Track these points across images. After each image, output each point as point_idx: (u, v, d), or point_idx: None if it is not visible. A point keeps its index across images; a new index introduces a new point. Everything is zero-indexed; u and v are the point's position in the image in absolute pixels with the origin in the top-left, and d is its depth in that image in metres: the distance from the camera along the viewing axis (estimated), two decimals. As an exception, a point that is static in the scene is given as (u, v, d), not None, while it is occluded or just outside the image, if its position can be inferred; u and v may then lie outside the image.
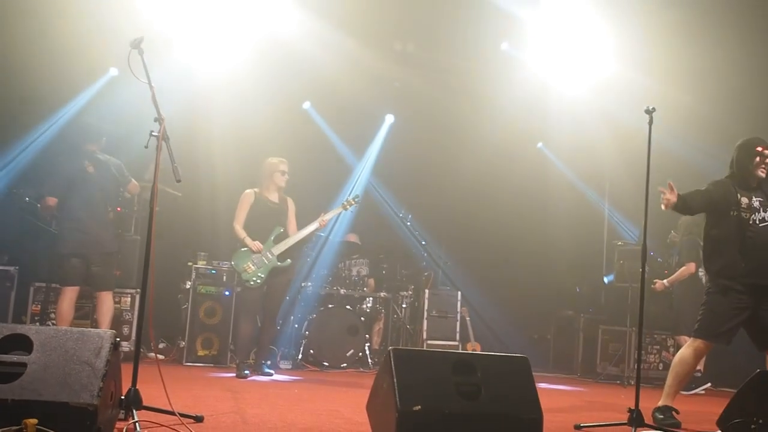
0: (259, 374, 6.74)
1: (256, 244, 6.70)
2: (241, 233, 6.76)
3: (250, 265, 6.69)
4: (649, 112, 4.63)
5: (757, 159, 4.97)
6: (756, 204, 4.94)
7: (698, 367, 7.57)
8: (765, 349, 5.02)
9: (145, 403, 3.64)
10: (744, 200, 4.93)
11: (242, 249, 6.75)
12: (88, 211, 6.20)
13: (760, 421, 3.83)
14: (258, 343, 7.02)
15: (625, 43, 8.38)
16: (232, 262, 6.85)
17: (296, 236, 6.89)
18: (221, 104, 8.44)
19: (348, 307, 8.25)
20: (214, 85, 8.36)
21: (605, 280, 9.60)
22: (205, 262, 7.67)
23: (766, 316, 4.88)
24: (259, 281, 6.70)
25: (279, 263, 6.78)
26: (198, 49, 8.16)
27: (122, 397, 3.50)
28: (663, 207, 4.89)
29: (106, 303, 6.34)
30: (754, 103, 8.19)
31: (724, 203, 4.93)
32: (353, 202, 7.11)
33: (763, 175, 4.97)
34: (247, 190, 6.93)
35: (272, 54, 8.38)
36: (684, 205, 4.90)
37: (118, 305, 7.07)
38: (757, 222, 4.91)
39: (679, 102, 8.07)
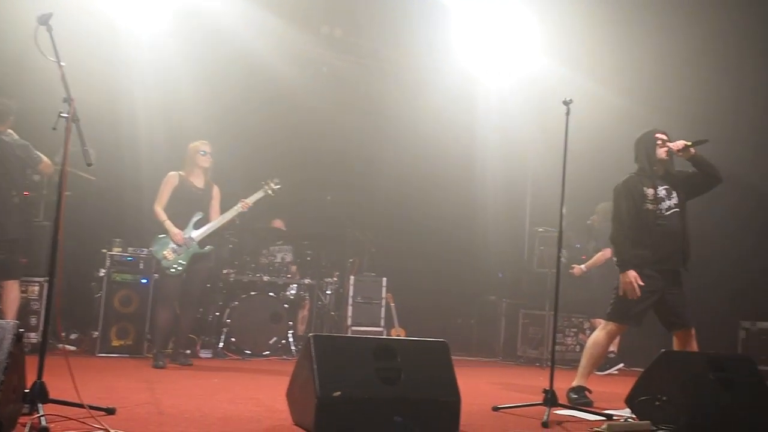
0: (178, 364, 6.60)
1: (177, 233, 6.54)
2: (162, 215, 6.58)
3: (170, 252, 6.54)
4: (567, 103, 4.79)
5: (659, 143, 5.19)
6: (662, 193, 5.15)
7: (612, 349, 7.85)
8: (672, 330, 5.23)
9: (53, 396, 3.48)
10: (650, 191, 5.12)
11: (161, 235, 6.59)
12: None
13: (664, 398, 4.01)
14: (177, 331, 6.87)
15: (549, 37, 8.56)
16: (152, 249, 6.68)
17: (217, 222, 6.76)
18: (144, 84, 8.19)
19: (271, 294, 8.13)
20: (138, 65, 8.11)
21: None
22: (120, 249, 7.40)
23: (672, 298, 5.15)
24: (179, 268, 6.55)
25: (200, 250, 6.64)
26: (120, 26, 7.91)
27: (26, 391, 3.33)
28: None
29: (12, 293, 6.10)
30: (666, 96, 8.47)
31: (634, 197, 5.13)
32: (273, 185, 6.97)
33: (665, 155, 5.17)
34: (172, 173, 6.75)
35: (197, 32, 8.22)
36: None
37: (25, 294, 6.76)
38: (664, 211, 5.12)
39: (598, 94, 8.27)
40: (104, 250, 7.35)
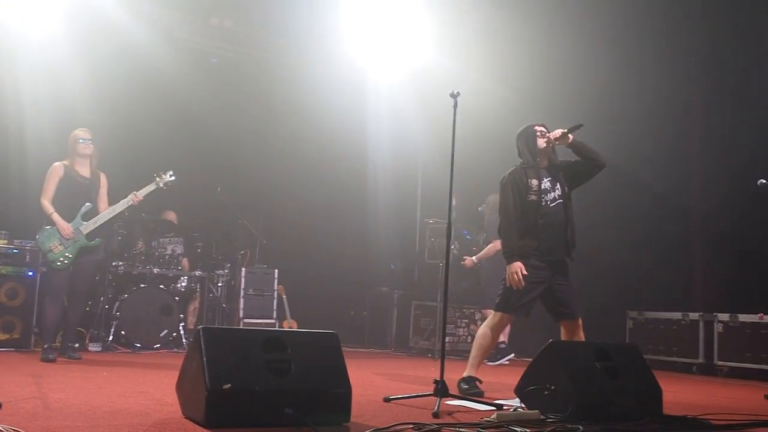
0: (66, 357, 6.49)
1: (65, 226, 6.40)
2: (49, 208, 6.43)
3: (57, 245, 6.40)
4: (454, 96, 4.85)
5: (538, 134, 5.36)
6: (546, 185, 5.28)
7: (502, 339, 8.08)
8: (560, 320, 5.35)
9: (-67, 391, 3.43)
10: (534, 182, 5.25)
11: (48, 227, 6.44)
12: None
13: (553, 387, 4.09)
14: (65, 325, 6.74)
15: (438, 29, 8.76)
16: (37, 241, 6.50)
17: (106, 214, 6.65)
18: (33, 77, 7.96)
19: (162, 286, 8.08)
20: (25, 57, 7.90)
21: None
22: (6, 241, 7.20)
23: (559, 289, 5.27)
24: (66, 261, 6.43)
25: (88, 242, 6.53)
26: (4, 18, 7.64)
27: None
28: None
29: None
30: (551, 89, 8.85)
31: (520, 189, 5.26)
32: (166, 178, 6.87)
33: (546, 145, 5.32)
34: (56, 163, 6.59)
35: (85, 25, 8.03)
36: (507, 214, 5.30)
37: None
38: (549, 202, 5.26)
39: (486, 88, 8.57)
40: (-11, 243, 7.14)
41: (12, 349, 6.95)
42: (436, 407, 4.21)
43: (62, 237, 6.42)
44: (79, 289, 6.67)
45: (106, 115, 7.84)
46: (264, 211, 9.82)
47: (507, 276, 5.23)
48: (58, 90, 8.03)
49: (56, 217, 6.42)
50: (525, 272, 5.14)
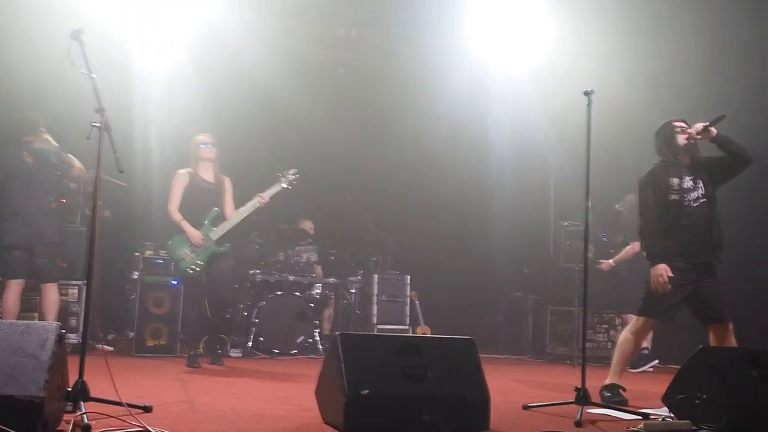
0: (211, 363, 6.69)
1: (195, 234, 6.50)
2: (177, 216, 6.55)
3: (188, 252, 6.50)
4: (588, 93, 4.64)
5: (678, 130, 5.08)
6: (688, 184, 5.00)
7: (646, 345, 7.75)
8: (708, 324, 5.05)
9: (93, 394, 3.61)
10: (674, 181, 4.99)
11: (177, 235, 6.57)
12: (28, 201, 6.04)
13: (704, 396, 3.86)
14: (208, 331, 6.97)
15: (565, 25, 8.51)
16: (169, 249, 6.65)
17: (235, 218, 6.66)
18: (158, 93, 8.32)
19: (297, 293, 8.26)
20: (152, 75, 8.26)
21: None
22: (152, 252, 7.59)
23: (706, 291, 4.96)
24: (198, 269, 6.52)
25: (217, 248, 6.59)
26: (133, 38, 8.04)
27: (69, 389, 3.47)
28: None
29: (51, 295, 6.20)
30: (689, 83, 8.40)
31: (660, 189, 5.02)
32: (290, 176, 6.79)
33: (685, 140, 5.04)
34: (180, 170, 6.70)
35: (208, 41, 8.33)
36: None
37: (65, 297, 6.98)
38: (692, 202, 4.98)
39: (619, 83, 8.25)
40: (137, 254, 7.56)
41: (160, 355, 7.29)
42: (578, 416, 4.08)
43: (192, 245, 6.54)
44: (220, 295, 6.76)
45: (231, 130, 8.03)
46: (395, 218, 9.86)
47: (651, 279, 4.97)
48: (178, 107, 8.31)
49: (186, 224, 6.53)
50: (671, 274, 4.87)
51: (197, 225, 6.56)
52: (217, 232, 6.60)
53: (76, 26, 3.93)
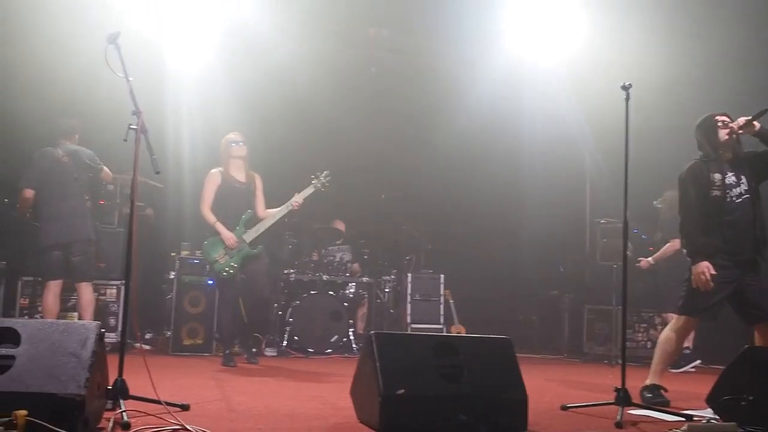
0: (247, 361, 6.75)
1: (229, 236, 6.52)
2: (211, 217, 6.59)
3: (222, 254, 6.54)
4: (626, 88, 4.54)
5: (719, 125, 4.97)
6: (731, 180, 4.90)
7: (687, 345, 7.60)
8: (752, 323, 4.92)
9: (132, 392, 3.66)
10: (716, 176, 4.89)
11: (211, 237, 6.61)
12: (64, 200, 6.15)
13: (750, 397, 3.77)
14: (244, 331, 7.02)
15: (599, 17, 8.41)
16: (203, 250, 6.68)
17: (267, 221, 6.71)
18: (189, 95, 8.40)
19: (331, 293, 8.28)
20: (183, 75, 8.34)
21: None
22: (188, 252, 7.67)
23: (750, 290, 4.84)
24: (232, 271, 6.55)
25: (251, 251, 6.62)
26: (166, 39, 8.13)
27: (109, 388, 3.52)
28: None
29: (86, 294, 6.29)
30: (727, 80, 8.24)
31: (702, 185, 4.92)
32: (323, 178, 6.81)
33: (727, 135, 4.93)
34: (213, 170, 6.74)
35: (241, 42, 8.38)
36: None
37: (104, 297, 7.10)
38: (734, 198, 4.88)
39: (657, 77, 8.11)
40: (173, 254, 7.64)
41: (196, 353, 7.37)
42: (618, 417, 4.01)
43: (226, 247, 6.57)
44: (259, 295, 6.81)
45: (258, 130, 7.99)
46: (428, 216, 9.83)
47: (692, 277, 4.87)
48: (210, 107, 8.38)
49: (220, 227, 6.56)
50: (713, 272, 4.77)
51: (230, 226, 6.59)
52: (250, 235, 6.64)
53: (112, 30, 3.97)
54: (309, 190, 6.78)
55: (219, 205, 6.64)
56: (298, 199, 6.70)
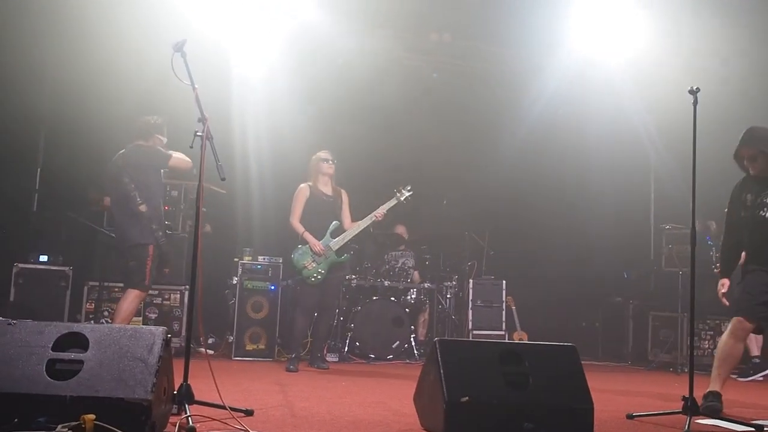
0: (316, 368, 6.84)
1: (317, 244, 6.75)
2: (300, 228, 6.82)
3: (310, 262, 6.76)
4: (694, 92, 4.45)
5: None
6: (761, 200, 4.87)
7: (756, 353, 7.43)
8: None
9: (196, 397, 3.70)
10: (749, 197, 4.90)
11: (300, 246, 6.81)
12: (117, 204, 6.13)
13: None
14: (314, 337, 7.15)
15: (668, 20, 8.22)
16: (292, 259, 6.87)
17: (353, 230, 6.94)
18: (255, 100, 8.51)
19: (392, 298, 8.27)
20: (248, 81, 8.45)
21: None
22: (250, 258, 7.75)
23: None
24: (320, 277, 6.76)
25: (337, 258, 6.86)
26: (231, 46, 8.25)
27: (174, 392, 3.56)
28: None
29: (125, 300, 5.93)
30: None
31: (736, 207, 5.02)
32: (405, 192, 7.04)
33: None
34: (302, 185, 6.99)
35: (305, 49, 8.45)
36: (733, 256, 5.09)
37: (168, 302, 7.22)
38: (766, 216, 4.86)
39: (725, 80, 7.90)
40: (236, 259, 7.73)
41: (258, 359, 7.44)
42: (686, 426, 3.94)
43: (314, 254, 6.77)
44: (328, 303, 7.06)
45: (323, 137, 8.07)
46: (490, 222, 9.75)
47: (743, 281, 4.96)
48: (275, 114, 8.46)
49: (308, 236, 6.78)
50: (723, 290, 4.96)
51: (317, 236, 6.82)
52: (337, 243, 6.86)
53: (179, 38, 4.03)
54: (392, 203, 7.03)
55: (307, 217, 6.88)
56: (381, 210, 6.93)
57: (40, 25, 7.57)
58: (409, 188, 7.07)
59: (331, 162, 7.02)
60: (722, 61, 8.18)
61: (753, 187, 4.95)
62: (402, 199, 7.03)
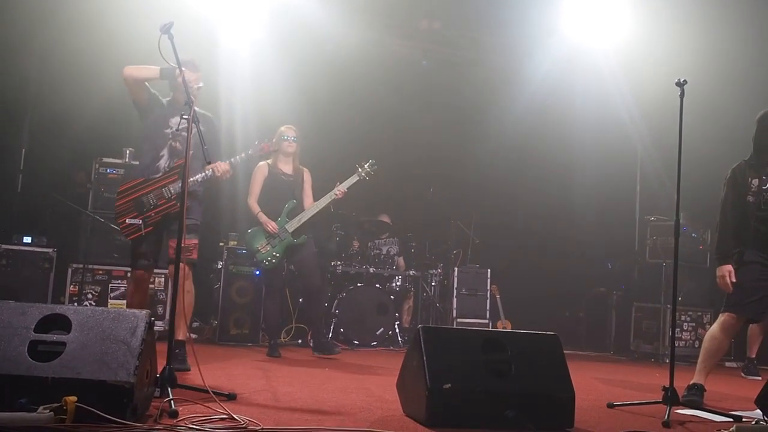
0: (325, 354, 6.71)
1: (269, 223, 6.56)
2: (255, 208, 6.63)
3: (264, 244, 6.58)
4: (680, 84, 4.44)
5: None
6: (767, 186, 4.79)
7: (752, 356, 7.38)
8: None
9: (180, 381, 3.70)
10: (754, 182, 4.81)
11: (255, 228, 6.65)
12: None
13: None
14: (309, 322, 7.13)
15: (657, 11, 8.24)
16: (246, 241, 6.76)
17: (311, 210, 6.69)
18: (241, 81, 8.44)
19: (377, 285, 8.28)
20: (234, 61, 8.38)
21: None
22: (236, 243, 7.74)
23: None
24: (274, 261, 6.59)
25: (294, 241, 6.64)
26: (216, 23, 8.18)
27: (158, 376, 3.56)
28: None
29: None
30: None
31: (741, 191, 4.86)
32: (367, 167, 6.76)
33: None
34: (260, 163, 6.75)
35: (292, 31, 8.43)
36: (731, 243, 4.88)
37: (152, 286, 7.18)
38: None
39: (711, 72, 7.92)
40: (221, 244, 7.72)
41: (243, 343, 7.43)
42: (666, 416, 3.96)
43: (269, 236, 6.58)
44: (311, 284, 6.82)
45: (309, 117, 7.98)
46: (476, 211, 9.77)
47: (717, 279, 4.87)
48: (263, 98, 8.38)
49: (262, 216, 6.59)
50: (733, 279, 4.75)
51: (274, 217, 6.64)
52: (292, 224, 6.64)
53: (165, 21, 4.01)
54: (353, 179, 6.75)
55: (264, 197, 6.68)
56: (341, 188, 6.66)
57: (24, 5, 7.48)
58: (371, 162, 6.77)
59: (292, 140, 6.73)
60: (710, 53, 8.22)
61: (760, 171, 4.85)
62: (363, 174, 6.73)
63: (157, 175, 5.13)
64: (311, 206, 6.73)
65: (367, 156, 6.94)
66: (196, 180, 5.08)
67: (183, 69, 4.14)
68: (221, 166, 5.13)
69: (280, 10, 8.28)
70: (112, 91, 6.92)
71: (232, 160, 5.36)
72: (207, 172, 5.07)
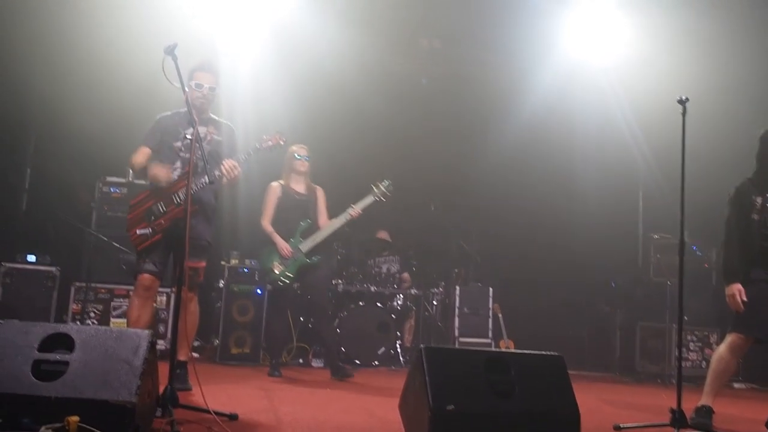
0: (339, 378, 6.52)
1: (284, 246, 6.51)
2: (268, 228, 6.58)
3: (277, 264, 6.54)
4: (682, 102, 4.45)
5: None
6: None
7: None
8: None
9: (181, 401, 3.68)
10: (758, 200, 4.80)
11: (268, 247, 6.61)
12: None
13: None
14: (325, 346, 7.05)
15: (658, 28, 8.27)
16: (259, 261, 6.74)
17: (325, 231, 6.63)
18: (242, 97, 8.43)
19: (379, 304, 8.24)
20: (234, 77, 8.34)
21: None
22: (237, 261, 7.72)
23: None
24: (287, 281, 6.55)
25: (307, 261, 6.60)
26: (217, 41, 8.18)
27: (159, 395, 3.54)
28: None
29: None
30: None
31: (745, 209, 4.86)
32: (383, 187, 6.66)
33: None
34: (273, 183, 6.73)
35: (292, 48, 8.42)
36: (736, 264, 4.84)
37: (154, 305, 7.16)
38: None
39: (711, 91, 7.94)
40: (223, 262, 7.69)
41: (244, 363, 7.38)
42: (673, 439, 3.90)
43: (281, 257, 6.56)
44: (317, 307, 6.83)
45: (309, 135, 7.97)
46: (478, 228, 9.75)
47: (727, 299, 4.81)
48: (262, 114, 8.37)
49: (275, 237, 6.54)
50: (744, 298, 4.70)
51: (288, 237, 6.58)
52: (306, 245, 6.60)
53: (170, 42, 4.01)
54: (369, 200, 6.63)
55: (278, 217, 6.64)
56: (356, 208, 6.59)
57: (30, 24, 7.52)
58: (387, 183, 6.64)
59: (304, 159, 6.71)
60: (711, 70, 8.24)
61: (764, 189, 4.85)
62: (379, 194, 6.60)
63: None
64: (326, 226, 6.67)
65: (366, 173, 6.94)
66: (204, 182, 4.91)
67: (189, 84, 4.13)
68: (228, 162, 5.00)
69: (281, 27, 8.30)
70: (117, 111, 6.96)
71: (240, 156, 5.23)
72: (216, 172, 4.92)
